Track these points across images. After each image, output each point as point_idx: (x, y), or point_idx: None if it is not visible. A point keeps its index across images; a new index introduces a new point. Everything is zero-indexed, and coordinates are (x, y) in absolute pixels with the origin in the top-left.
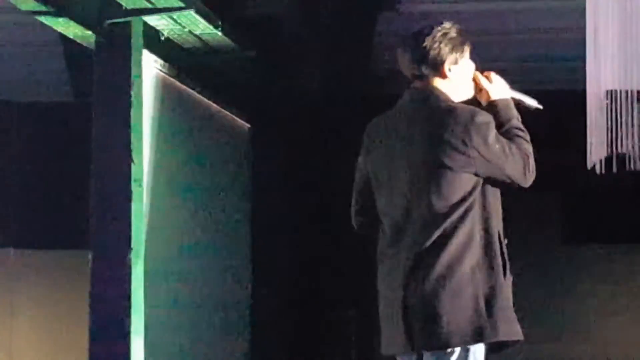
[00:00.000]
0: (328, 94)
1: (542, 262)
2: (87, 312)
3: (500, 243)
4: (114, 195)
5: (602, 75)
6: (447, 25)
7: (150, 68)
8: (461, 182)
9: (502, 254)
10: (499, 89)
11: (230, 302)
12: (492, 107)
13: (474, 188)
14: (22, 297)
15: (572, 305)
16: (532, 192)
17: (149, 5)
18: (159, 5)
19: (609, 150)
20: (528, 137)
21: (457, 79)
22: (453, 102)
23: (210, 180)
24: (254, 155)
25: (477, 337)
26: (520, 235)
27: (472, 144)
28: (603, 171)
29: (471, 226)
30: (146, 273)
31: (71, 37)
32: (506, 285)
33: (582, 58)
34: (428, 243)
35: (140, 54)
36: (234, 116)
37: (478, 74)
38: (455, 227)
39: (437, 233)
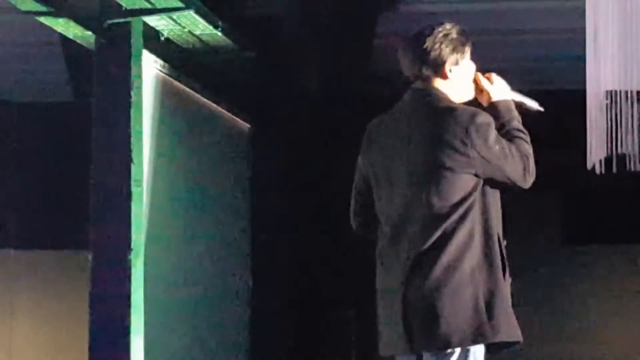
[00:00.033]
0: (328, 94)
1: (542, 262)
2: (87, 312)
3: (500, 244)
4: (114, 195)
5: (602, 75)
6: (448, 25)
7: (150, 68)
8: (461, 183)
9: (501, 254)
10: (499, 90)
11: (230, 301)
12: (493, 108)
13: (474, 189)
14: (22, 297)
15: (572, 305)
16: (532, 192)
17: (148, 6)
18: (159, 6)
19: (609, 150)
20: (528, 139)
21: (458, 80)
22: (453, 102)
23: (210, 180)
24: (254, 155)
25: (477, 338)
26: (520, 235)
27: (472, 144)
28: (603, 171)
29: (471, 227)
30: (146, 273)
31: (71, 37)
32: (505, 286)
33: (582, 58)
34: (428, 243)
35: (140, 54)
36: (234, 116)
37: (479, 75)
38: (455, 228)
39: (437, 233)
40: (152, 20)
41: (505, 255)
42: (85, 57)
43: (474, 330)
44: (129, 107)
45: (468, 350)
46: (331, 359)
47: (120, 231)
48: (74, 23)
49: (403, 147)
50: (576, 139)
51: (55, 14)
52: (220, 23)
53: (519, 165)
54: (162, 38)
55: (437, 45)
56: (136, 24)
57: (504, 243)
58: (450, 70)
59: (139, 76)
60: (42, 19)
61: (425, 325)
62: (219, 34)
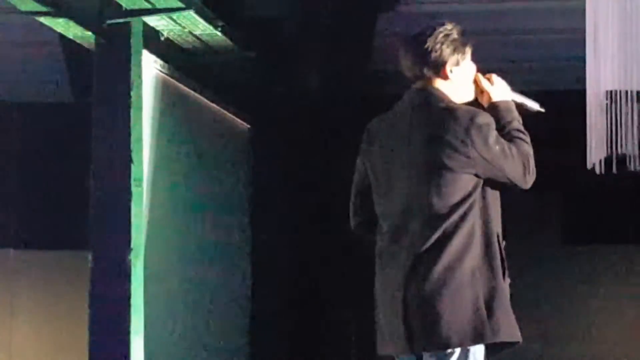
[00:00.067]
0: (328, 94)
1: (542, 262)
2: (87, 312)
3: (499, 244)
4: (114, 195)
5: (602, 75)
6: (448, 26)
7: (150, 68)
8: (461, 183)
9: (501, 255)
10: (500, 90)
11: (230, 301)
12: (493, 109)
13: (474, 189)
14: (22, 297)
15: (572, 305)
16: (532, 192)
17: (148, 6)
18: (159, 6)
19: (609, 150)
20: (528, 139)
21: (459, 81)
22: (454, 103)
23: (210, 180)
24: (254, 155)
25: (477, 338)
26: (521, 235)
27: (472, 144)
28: (603, 171)
29: (471, 227)
30: (146, 273)
31: (71, 37)
32: (505, 287)
33: (582, 58)
34: (428, 244)
35: (140, 54)
36: (234, 116)
37: (479, 75)
38: (455, 228)
39: (437, 234)
40: (152, 21)
41: (504, 255)
42: (85, 57)
43: (473, 330)
44: (129, 107)
45: (468, 350)
46: (331, 359)
47: (120, 231)
48: (73, 23)
49: (403, 147)
50: (576, 139)
51: (55, 14)
52: (220, 23)
53: (519, 165)
54: (162, 38)
55: (438, 46)
56: (136, 24)
57: (503, 244)
58: (451, 71)
59: (139, 76)
60: (42, 19)
61: (425, 325)
62: (219, 34)
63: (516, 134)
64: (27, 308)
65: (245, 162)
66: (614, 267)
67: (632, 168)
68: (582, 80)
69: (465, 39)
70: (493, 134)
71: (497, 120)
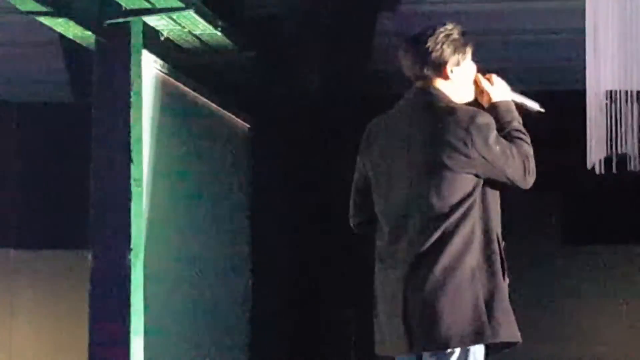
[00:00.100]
0: (328, 94)
1: (542, 262)
2: (87, 312)
3: (499, 244)
4: (114, 195)
5: (602, 75)
6: (449, 26)
7: (149, 68)
8: (461, 183)
9: (501, 255)
10: (500, 91)
11: (230, 301)
12: (493, 109)
13: (474, 189)
14: (22, 297)
15: (572, 305)
16: (532, 192)
17: (148, 6)
18: (159, 6)
19: (609, 150)
20: (529, 140)
21: (459, 81)
22: (454, 103)
23: (210, 180)
24: (254, 155)
25: (477, 338)
26: (520, 235)
27: (472, 144)
28: (603, 171)
29: (471, 227)
30: (146, 273)
31: (71, 37)
32: (505, 287)
33: (582, 58)
34: (428, 244)
35: (140, 54)
36: (234, 116)
37: (479, 75)
38: (455, 228)
39: (437, 234)
40: (152, 20)
41: (504, 255)
42: (85, 57)
43: (473, 330)
44: (129, 107)
45: (468, 350)
46: (331, 359)
47: (120, 231)
48: (73, 23)
49: (403, 147)
50: (576, 139)
51: (55, 14)
52: (220, 23)
53: (519, 165)
54: (162, 38)
55: (438, 46)
56: (136, 24)
57: (503, 244)
58: (451, 71)
59: (139, 76)
60: (42, 19)
61: (425, 325)
62: (219, 34)
63: (516, 134)
64: (27, 308)
65: (245, 162)
66: (614, 267)
67: (632, 168)
68: (582, 80)
69: (465, 39)
70: (493, 134)
71: (497, 120)
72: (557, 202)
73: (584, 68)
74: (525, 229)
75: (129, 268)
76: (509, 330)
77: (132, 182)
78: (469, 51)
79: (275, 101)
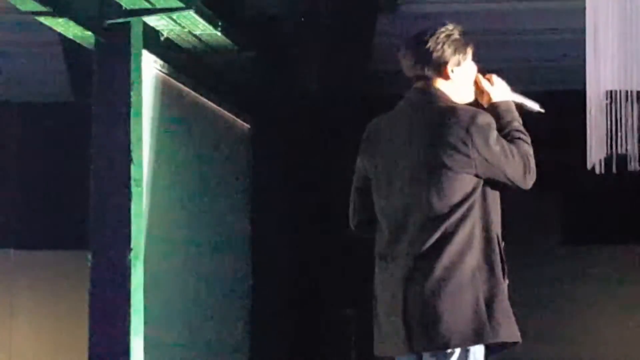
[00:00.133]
0: (328, 94)
1: (542, 263)
2: (87, 312)
3: (499, 245)
4: (114, 195)
5: (602, 75)
6: (450, 26)
7: (149, 68)
8: (461, 183)
9: (501, 255)
10: (500, 91)
11: (230, 301)
12: (493, 109)
13: (474, 189)
14: (22, 297)
15: (572, 306)
16: (532, 192)
17: (148, 6)
18: (159, 6)
19: (609, 150)
20: (529, 140)
21: (459, 81)
22: (455, 103)
23: (210, 180)
24: (254, 155)
25: (477, 338)
26: (520, 235)
27: (473, 144)
28: (603, 171)
29: (471, 227)
30: (146, 273)
31: (71, 37)
32: (505, 287)
33: (582, 58)
34: (428, 244)
35: (140, 54)
36: (234, 116)
37: (479, 76)
38: (455, 228)
39: (437, 234)
40: (152, 20)
41: (504, 256)
42: (85, 57)
43: (473, 330)
44: (129, 107)
45: (468, 351)
46: (331, 359)
47: (120, 231)
48: (73, 23)
49: (403, 147)
50: (576, 139)
51: (55, 14)
52: (220, 23)
53: (520, 166)
54: (162, 38)
55: (439, 46)
56: (136, 24)
57: (502, 244)
58: (452, 71)
59: (139, 76)
60: (42, 19)
61: (425, 325)
62: (219, 34)
63: (516, 134)
64: (27, 308)
65: (245, 162)
66: (614, 267)
67: (632, 168)
68: (582, 80)
69: (466, 39)
70: (494, 134)
71: (497, 120)
72: (557, 202)
73: (584, 68)
74: (525, 229)
75: (129, 268)
76: (509, 330)
77: (132, 182)
78: (469, 51)
79: (275, 101)
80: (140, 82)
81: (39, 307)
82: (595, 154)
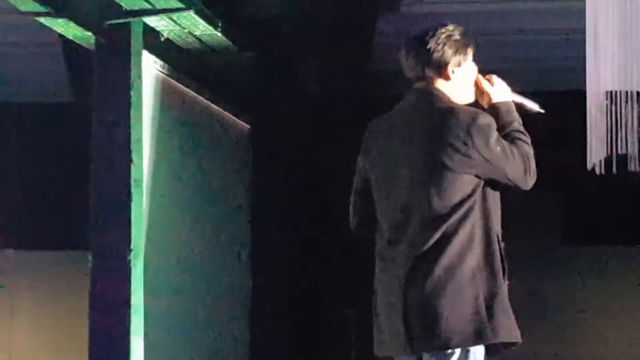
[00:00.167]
0: (328, 94)
1: (542, 263)
2: (87, 313)
3: (499, 245)
4: (114, 195)
5: (602, 75)
6: (450, 27)
7: (150, 69)
8: (462, 184)
9: (501, 255)
10: (500, 91)
11: (229, 301)
12: (494, 110)
13: (474, 189)
14: (21, 297)
15: (572, 306)
16: (532, 192)
17: (148, 6)
18: (159, 6)
19: (609, 151)
20: (529, 140)
21: (460, 82)
22: (455, 103)
23: (210, 180)
24: (254, 155)
25: (477, 339)
26: (520, 235)
27: (473, 145)
28: (603, 172)
29: (471, 228)
30: (146, 273)
31: (71, 38)
32: (505, 287)
33: (582, 58)
34: (428, 244)
35: (140, 54)
36: (234, 116)
37: (479, 76)
38: (455, 229)
39: (437, 234)
40: (152, 21)
41: (504, 256)
42: (85, 57)
43: (474, 330)
44: (129, 107)
45: (468, 351)
46: (331, 359)
47: (120, 231)
48: (73, 24)
49: (404, 147)
50: (576, 139)
51: (55, 15)
52: (220, 23)
53: (520, 166)
54: (162, 38)
55: (440, 47)
56: (136, 25)
57: (502, 245)
58: (452, 72)
59: (139, 76)
60: (42, 20)
61: (425, 325)
62: (219, 34)
63: (517, 134)
64: (27, 308)
65: (245, 162)
66: (614, 267)
67: (632, 168)
68: (582, 80)
69: (467, 39)
70: (494, 134)
71: (498, 121)
72: (557, 203)
73: (584, 68)
74: (525, 229)
75: (129, 268)
76: (509, 330)
77: (132, 182)
78: (470, 52)
79: (275, 101)
80: (140, 83)
81: (39, 307)
82: (596, 154)
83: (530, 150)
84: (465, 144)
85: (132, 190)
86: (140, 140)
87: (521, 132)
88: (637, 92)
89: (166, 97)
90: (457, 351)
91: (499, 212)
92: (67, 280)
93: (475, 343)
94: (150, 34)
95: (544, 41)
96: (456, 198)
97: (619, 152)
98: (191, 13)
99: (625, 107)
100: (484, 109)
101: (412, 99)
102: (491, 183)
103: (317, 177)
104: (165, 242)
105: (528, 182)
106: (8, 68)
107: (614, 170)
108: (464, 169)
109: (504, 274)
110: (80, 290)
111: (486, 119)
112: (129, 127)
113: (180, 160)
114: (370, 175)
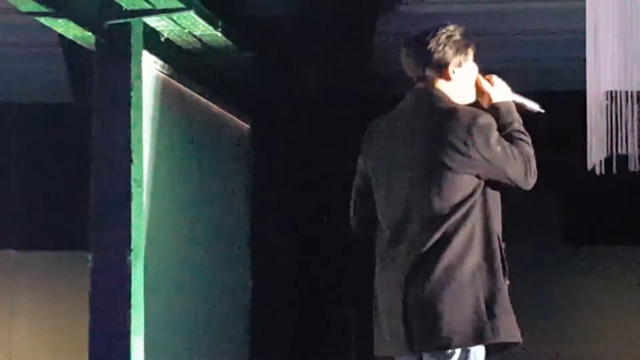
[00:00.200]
0: (328, 94)
1: (542, 263)
2: (87, 313)
3: (500, 245)
4: (114, 195)
5: (602, 75)
6: (451, 27)
7: (150, 69)
8: (462, 183)
9: (501, 255)
10: (500, 91)
11: (230, 301)
12: (494, 110)
13: (475, 189)
14: (22, 297)
15: (572, 306)
16: (532, 192)
17: (148, 6)
18: (159, 7)
19: (609, 151)
20: (529, 140)
21: (461, 82)
22: (455, 103)
23: (210, 180)
24: (254, 155)
25: (478, 338)
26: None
27: (473, 145)
28: (603, 172)
29: (472, 228)
30: (146, 273)
31: (71, 38)
32: (505, 287)
33: (582, 58)
34: (429, 244)
35: (140, 55)
36: (233, 116)
37: (480, 76)
38: (456, 229)
39: (437, 234)
40: (152, 21)
41: (505, 256)
42: (85, 57)
43: (474, 330)
44: (129, 107)
45: (468, 351)
46: (331, 359)
47: (120, 232)
48: (73, 24)
49: (404, 147)
50: (576, 139)
51: (55, 15)
52: (220, 24)
53: (521, 166)
54: (162, 39)
55: (440, 47)
56: (136, 25)
57: (503, 245)
58: (453, 72)
59: (139, 76)
60: (42, 20)
61: (425, 325)
62: (219, 34)
63: (517, 135)
64: (27, 308)
65: (245, 162)
66: (614, 267)
67: (632, 168)
68: (582, 80)
69: (467, 40)
70: (494, 134)
71: (498, 121)
72: (557, 203)
73: (584, 68)
74: (525, 229)
75: (129, 268)
76: (510, 330)
77: (132, 182)
78: (470, 52)
79: (275, 101)
80: (140, 83)
81: (39, 307)
82: (596, 154)
83: (530, 151)
84: (466, 144)
85: (132, 190)
86: (140, 140)
87: (522, 132)
88: (638, 93)
89: (166, 97)
90: (458, 351)
91: (499, 212)
92: (67, 280)
93: (476, 343)
94: (151, 34)
95: (544, 41)
96: (456, 198)
97: (619, 152)
98: (191, 13)
99: (625, 107)
100: (484, 109)
101: (413, 99)
102: (492, 183)
103: (317, 177)
104: (165, 242)
105: (529, 182)
106: (8, 68)
107: (614, 170)
108: (464, 169)
109: (504, 274)
110: (80, 290)
111: (487, 119)
112: (129, 127)
113: (181, 160)
114: (371, 176)
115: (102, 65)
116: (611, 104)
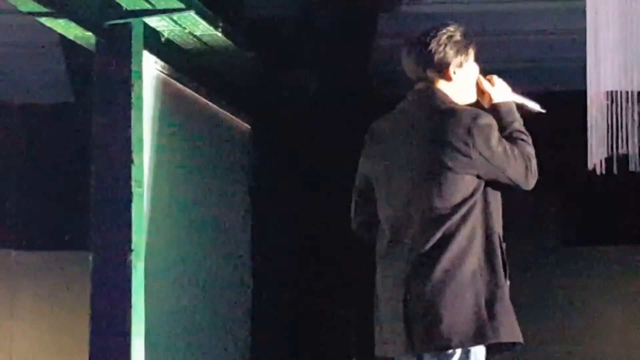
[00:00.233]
0: (328, 94)
1: (542, 263)
2: (87, 313)
3: (500, 245)
4: (114, 195)
5: (602, 75)
6: (452, 27)
7: (150, 69)
8: (463, 184)
9: (502, 256)
10: (501, 92)
11: (230, 301)
12: (495, 110)
13: (475, 190)
14: (22, 298)
15: (572, 305)
16: (532, 192)
17: (149, 7)
18: (159, 7)
19: (610, 151)
20: (530, 140)
21: (461, 82)
22: (456, 104)
23: (210, 180)
24: (254, 155)
25: (478, 339)
26: (520, 235)
27: (474, 145)
28: (603, 172)
29: (472, 228)
30: (146, 273)
31: (71, 38)
32: (506, 287)
33: (582, 58)
34: (429, 244)
35: (141, 55)
36: (233, 116)
37: (480, 77)
38: (456, 229)
39: (438, 235)
40: (153, 21)
41: (505, 256)
42: (85, 58)
43: (474, 330)
44: (129, 107)
45: (469, 351)
46: (331, 359)
47: (120, 232)
48: (74, 24)
49: (405, 147)
50: (576, 139)
51: (56, 15)
52: (220, 24)
53: (521, 166)
54: (163, 39)
55: (441, 48)
56: (136, 25)
57: (504, 245)
58: (454, 72)
59: (139, 77)
60: (42, 20)
61: (426, 325)
62: (220, 34)
63: (518, 135)
64: (27, 309)
65: (245, 162)
66: (614, 267)
67: (632, 168)
68: (582, 80)
69: (468, 40)
70: (495, 134)
71: (499, 121)
72: (557, 203)
73: (584, 68)
74: (525, 229)
75: (130, 269)
76: (510, 330)
77: (132, 182)
78: (471, 52)
79: (275, 101)
80: (140, 83)
81: (39, 307)
82: (596, 154)
83: (531, 151)
84: (466, 144)
85: (133, 190)
86: (140, 140)
87: (522, 132)
88: (638, 93)
89: (166, 97)
90: (458, 351)
91: (500, 213)
92: (67, 280)
93: (476, 343)
94: (151, 34)
95: (544, 41)
96: (457, 198)
97: (619, 152)
98: (191, 13)
99: (625, 107)
100: (485, 110)
101: (413, 100)
102: (492, 183)
103: (317, 177)
104: (165, 242)
105: (529, 182)
106: (8, 68)
107: (614, 170)
108: (464, 169)
109: (504, 274)
110: (80, 290)
111: (487, 119)
112: (129, 127)
113: (181, 160)
114: (372, 176)
115: (102, 65)
116: (611, 104)
